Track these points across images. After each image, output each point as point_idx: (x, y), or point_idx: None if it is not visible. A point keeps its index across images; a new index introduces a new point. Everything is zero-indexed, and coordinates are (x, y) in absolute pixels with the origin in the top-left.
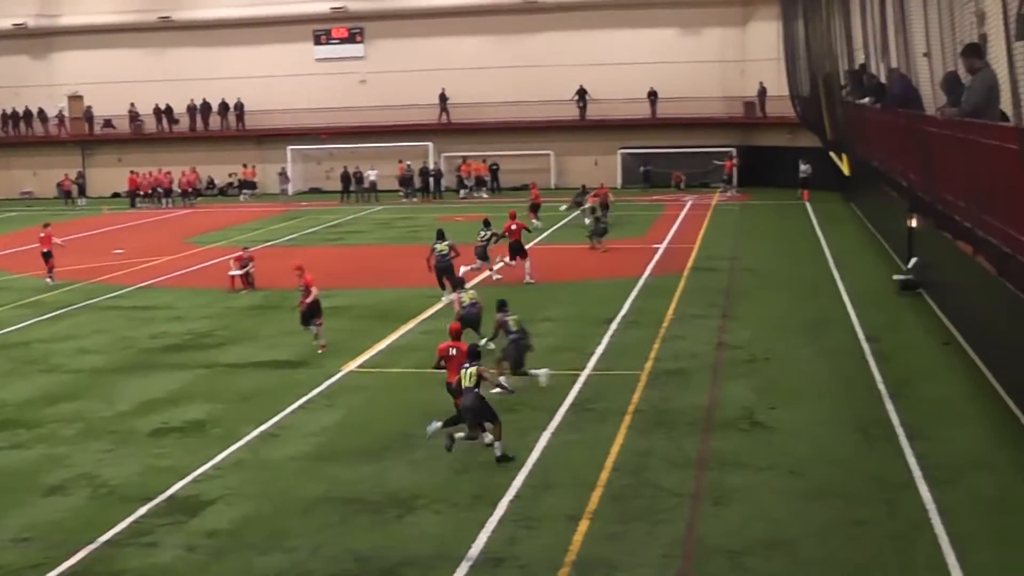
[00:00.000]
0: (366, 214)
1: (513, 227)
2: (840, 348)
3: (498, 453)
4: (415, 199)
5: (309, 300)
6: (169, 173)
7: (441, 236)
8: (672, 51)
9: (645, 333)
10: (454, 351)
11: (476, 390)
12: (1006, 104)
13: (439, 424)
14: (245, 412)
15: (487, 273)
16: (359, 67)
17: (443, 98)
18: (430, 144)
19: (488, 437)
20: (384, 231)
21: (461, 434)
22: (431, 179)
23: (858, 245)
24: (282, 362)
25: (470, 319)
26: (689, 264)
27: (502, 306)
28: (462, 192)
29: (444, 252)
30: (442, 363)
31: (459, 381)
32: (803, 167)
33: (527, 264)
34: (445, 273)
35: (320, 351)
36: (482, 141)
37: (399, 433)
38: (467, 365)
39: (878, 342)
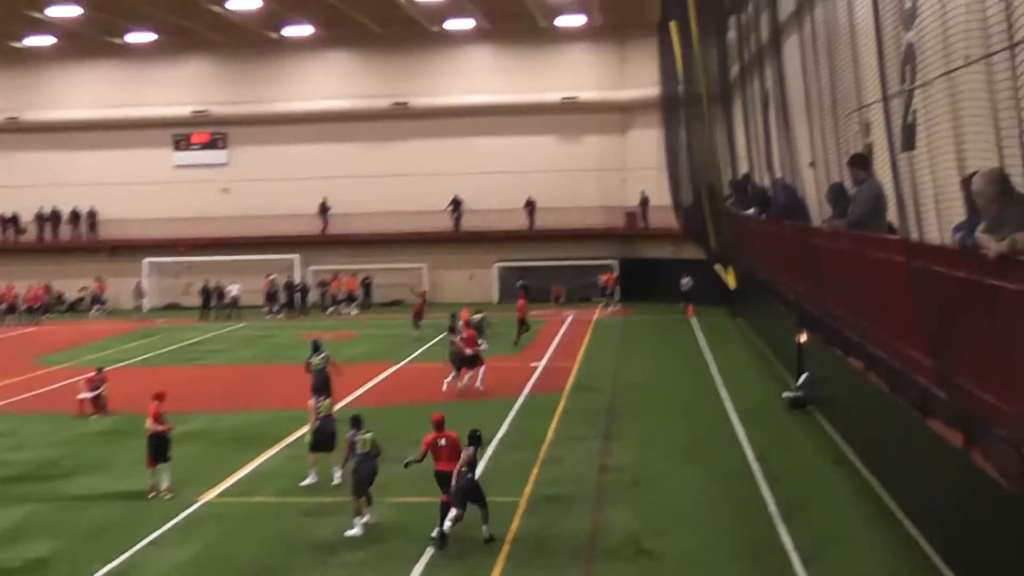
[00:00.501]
0: (227, 331)
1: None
2: (729, 469)
3: (486, 535)
4: (280, 315)
5: (159, 430)
6: (14, 287)
7: (316, 349)
8: (550, 159)
9: (524, 456)
10: (443, 441)
11: (470, 475)
12: (893, 215)
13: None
14: (92, 549)
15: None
16: (222, 174)
17: (324, 208)
18: (296, 257)
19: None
20: (245, 349)
21: (448, 524)
22: (298, 294)
23: (745, 361)
24: (134, 493)
25: (324, 433)
26: (569, 383)
27: (356, 422)
28: (330, 308)
29: (321, 366)
30: (425, 454)
31: (447, 474)
32: (684, 280)
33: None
34: (322, 387)
35: (166, 496)
36: (351, 254)
37: (262, 567)
38: (470, 447)
39: (768, 462)
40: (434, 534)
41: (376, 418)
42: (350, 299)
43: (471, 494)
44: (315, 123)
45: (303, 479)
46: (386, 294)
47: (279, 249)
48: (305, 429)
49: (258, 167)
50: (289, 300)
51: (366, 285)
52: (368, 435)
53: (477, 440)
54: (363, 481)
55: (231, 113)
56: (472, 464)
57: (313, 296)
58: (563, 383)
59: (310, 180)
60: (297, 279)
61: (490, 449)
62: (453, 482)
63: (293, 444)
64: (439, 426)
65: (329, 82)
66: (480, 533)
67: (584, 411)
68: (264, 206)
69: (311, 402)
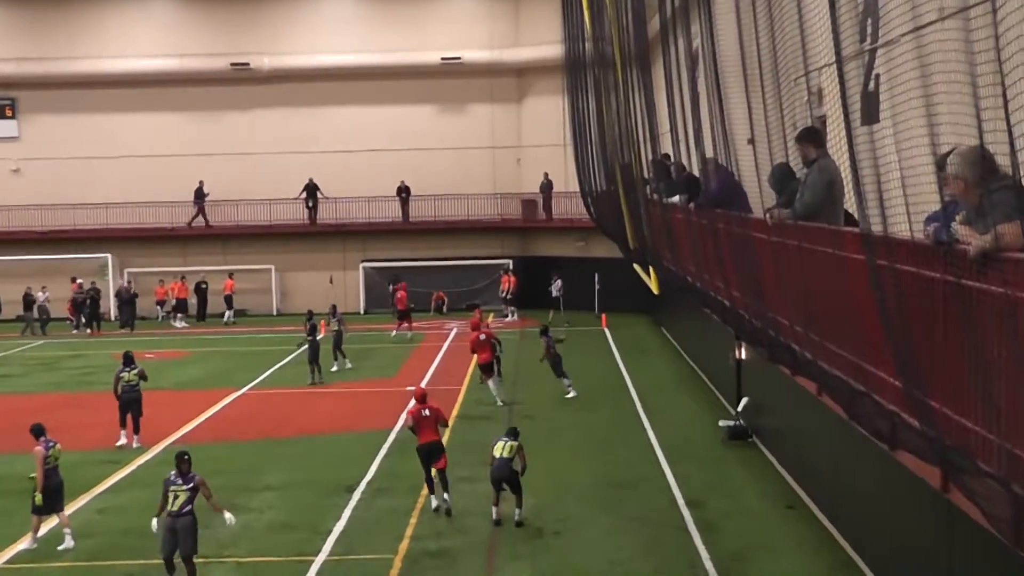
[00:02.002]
0: (21, 351)
1: (482, 337)
2: (652, 516)
3: (518, 518)
4: (88, 329)
5: None
6: None
7: (129, 361)
8: (428, 135)
9: (399, 503)
10: (427, 412)
11: (511, 462)
12: (850, 203)
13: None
14: None
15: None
16: (9, 151)
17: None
18: (109, 256)
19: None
20: (45, 374)
21: (446, 496)
22: (126, 303)
23: (672, 382)
24: None
25: (128, 400)
26: (455, 411)
27: (181, 460)
28: (160, 318)
29: (133, 382)
30: (413, 426)
31: (431, 445)
32: (555, 282)
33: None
34: (131, 407)
35: None
36: (179, 252)
37: None
38: (505, 439)
39: (702, 507)
40: (434, 506)
41: (208, 459)
42: (178, 309)
43: (509, 481)
44: (132, 87)
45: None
46: (222, 303)
47: (87, 246)
48: (126, 473)
49: (58, 143)
50: (93, 311)
51: (200, 291)
52: (182, 489)
53: (515, 433)
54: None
55: (21, 73)
56: (512, 455)
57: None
58: (447, 412)
59: (126, 159)
60: (125, 282)
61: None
62: (493, 468)
63: (110, 491)
64: (423, 399)
65: (150, 36)
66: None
67: (473, 446)
68: (66, 192)
69: (39, 449)
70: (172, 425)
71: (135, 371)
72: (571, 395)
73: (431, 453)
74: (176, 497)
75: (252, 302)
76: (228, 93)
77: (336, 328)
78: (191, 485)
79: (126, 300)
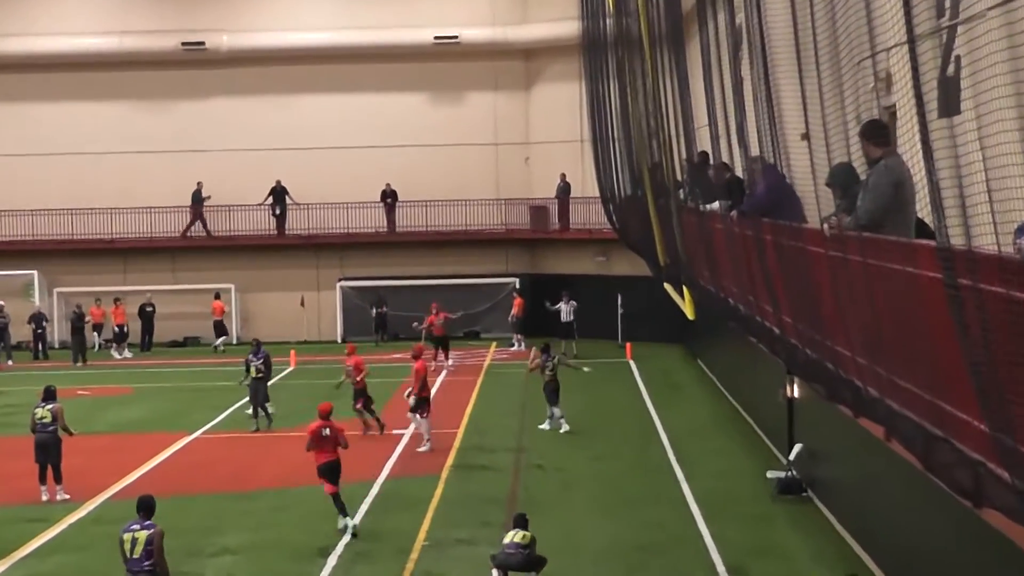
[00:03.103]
0: None
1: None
2: None
3: None
4: (10, 361)
5: None
6: None
7: (49, 396)
8: (419, 129)
9: (382, 570)
10: (328, 431)
11: (527, 548)
12: (924, 210)
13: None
14: None
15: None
16: None
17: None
18: (35, 273)
19: None
20: None
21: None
22: (39, 329)
23: (710, 424)
24: None
25: (41, 442)
26: (450, 459)
27: (143, 518)
28: (97, 346)
29: (46, 420)
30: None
31: (334, 464)
32: (563, 306)
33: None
34: (46, 452)
35: None
36: (119, 268)
37: None
38: (515, 530)
39: (746, 575)
40: (340, 526)
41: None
42: (118, 337)
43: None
44: (63, 71)
45: None
46: (174, 328)
47: (8, 261)
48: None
49: None
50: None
51: (146, 316)
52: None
53: (524, 522)
54: None
55: None
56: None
57: (58, 331)
58: (441, 459)
59: (55, 157)
60: (37, 305)
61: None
62: (501, 553)
63: (30, 558)
64: (326, 415)
65: (86, 11)
66: None
67: (473, 501)
68: None
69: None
70: (110, 476)
71: (49, 407)
72: (559, 428)
73: (335, 471)
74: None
75: (206, 328)
76: (179, 79)
77: (257, 373)
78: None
79: (78, 327)
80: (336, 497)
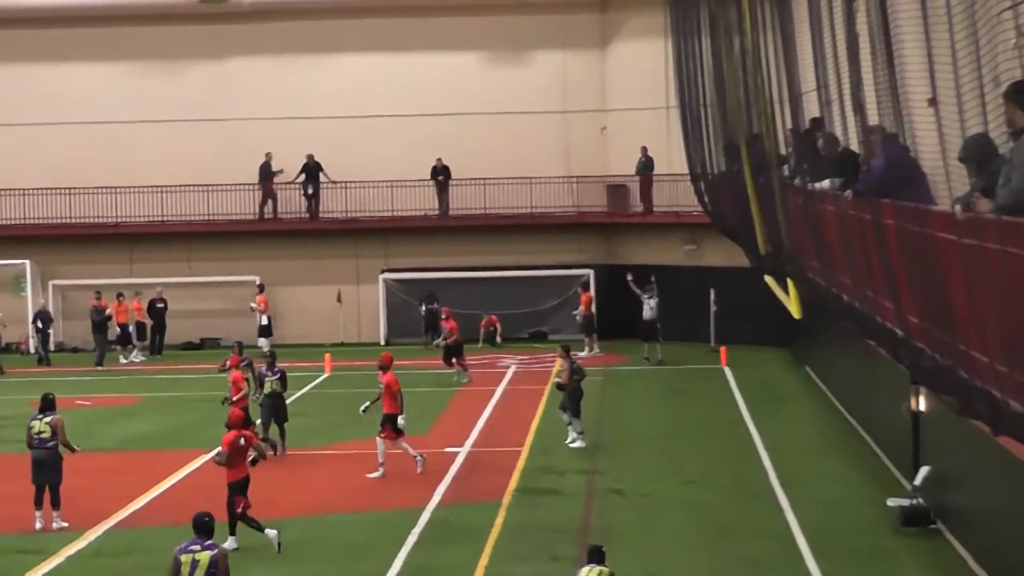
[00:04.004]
0: None
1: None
2: None
3: None
4: None
5: None
6: None
7: (47, 407)
8: (476, 94)
9: None
10: (243, 441)
11: None
12: None
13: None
14: None
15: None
16: None
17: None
18: (27, 263)
19: None
20: None
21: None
22: (40, 330)
23: (820, 443)
24: None
25: (39, 459)
26: (512, 483)
27: (202, 538)
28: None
29: (46, 435)
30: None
31: (247, 480)
32: (645, 301)
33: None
34: (43, 472)
35: None
36: (121, 258)
37: None
38: (591, 565)
39: None
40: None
41: (164, 548)
42: (121, 339)
43: None
44: (61, 26)
45: None
46: (189, 328)
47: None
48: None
49: None
50: None
51: (156, 313)
52: None
53: (600, 556)
54: None
55: None
56: None
57: (60, 331)
58: (502, 482)
59: (51, 128)
60: (32, 299)
61: None
62: None
63: None
64: (239, 423)
65: None
66: None
67: (539, 531)
68: None
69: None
70: (113, 500)
71: (48, 419)
72: (577, 445)
73: (246, 488)
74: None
75: (227, 328)
76: (194, 35)
77: (272, 388)
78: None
79: (100, 324)
80: (245, 516)
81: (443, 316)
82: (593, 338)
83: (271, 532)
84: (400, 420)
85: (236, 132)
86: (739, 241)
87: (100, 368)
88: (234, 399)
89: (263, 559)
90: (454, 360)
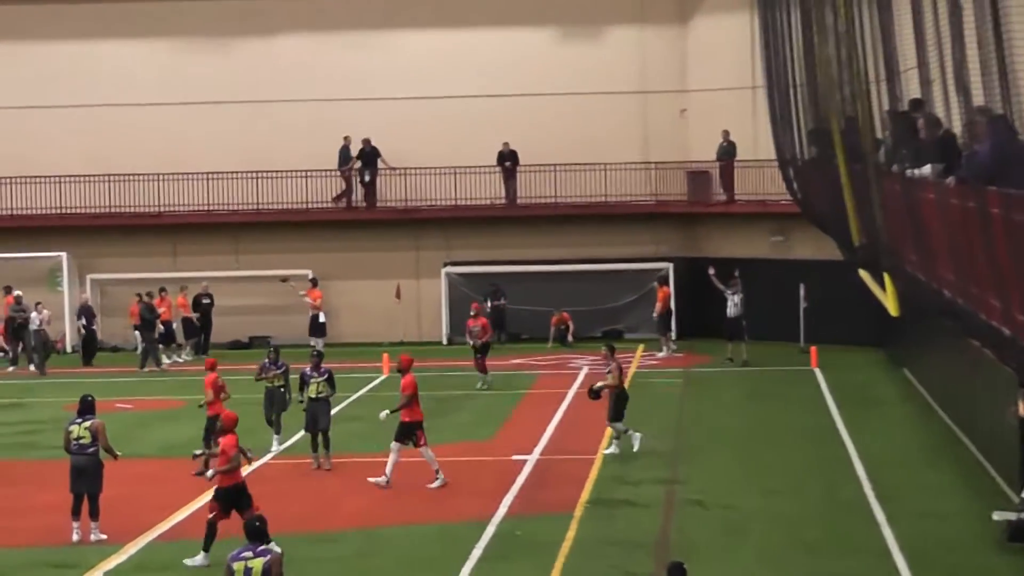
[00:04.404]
0: None
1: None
2: None
3: None
4: (32, 366)
5: None
6: None
7: (86, 409)
8: (545, 73)
9: None
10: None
11: None
12: None
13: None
14: None
15: None
16: None
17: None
18: (64, 256)
19: None
20: None
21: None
22: (90, 326)
23: (920, 451)
24: None
25: (79, 466)
26: (585, 493)
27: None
28: (140, 348)
29: (85, 441)
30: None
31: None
32: (729, 297)
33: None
34: (83, 480)
35: None
36: (164, 250)
37: None
38: None
39: None
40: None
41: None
42: (164, 337)
43: None
44: (91, 2)
45: None
46: (237, 326)
47: (30, 241)
48: None
49: None
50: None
51: (203, 309)
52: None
53: (679, 572)
54: None
55: None
56: None
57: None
58: (574, 494)
59: (85, 111)
60: (70, 293)
61: None
62: None
63: None
64: (233, 426)
65: None
66: None
67: (614, 545)
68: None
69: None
70: (156, 511)
71: (88, 424)
72: (611, 451)
73: (235, 498)
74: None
75: (278, 325)
76: (242, 10)
77: (318, 393)
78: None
79: (149, 321)
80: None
81: (472, 312)
82: (669, 337)
83: (198, 558)
84: (383, 413)
85: (287, 115)
86: (831, 232)
87: (145, 370)
88: (201, 404)
89: (318, 573)
90: (477, 359)
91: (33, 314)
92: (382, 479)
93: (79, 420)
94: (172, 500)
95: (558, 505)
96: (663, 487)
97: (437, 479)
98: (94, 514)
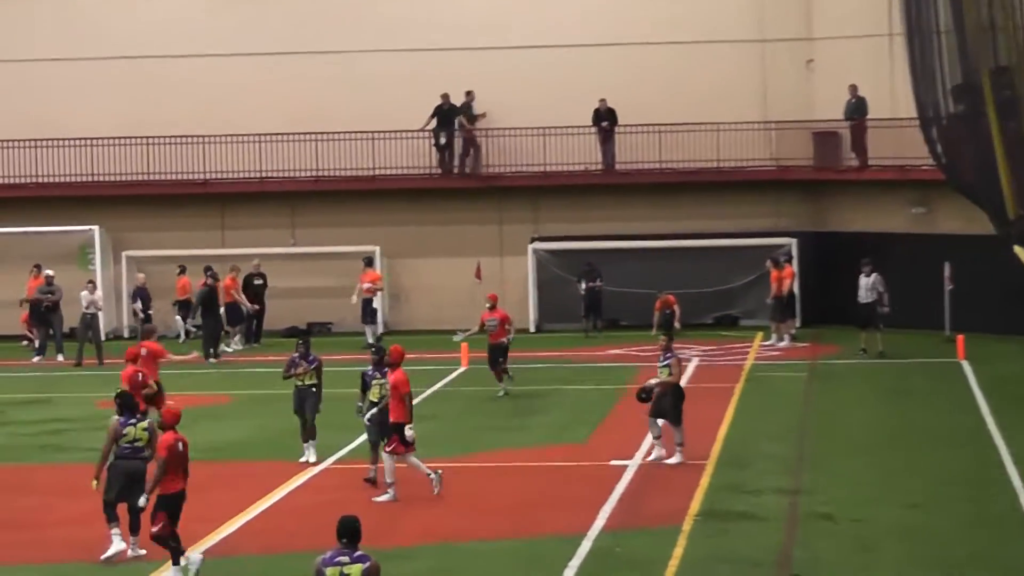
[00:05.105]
0: None
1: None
2: None
3: None
4: (60, 356)
5: None
6: None
7: (129, 407)
8: (648, 18)
9: None
10: (182, 447)
11: None
12: None
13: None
14: None
15: None
16: None
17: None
18: (96, 229)
19: None
20: None
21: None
22: (143, 310)
23: None
24: None
25: (132, 471)
26: (695, 504)
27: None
28: (181, 337)
29: (141, 443)
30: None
31: (182, 494)
32: (863, 280)
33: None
34: (136, 487)
35: None
36: (211, 223)
37: None
38: None
39: None
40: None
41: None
42: (234, 319)
43: None
44: None
45: None
46: (293, 310)
47: (57, 213)
48: None
49: (2, 37)
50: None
51: (254, 291)
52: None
53: None
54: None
55: None
56: None
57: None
58: (682, 505)
59: (121, 62)
60: (102, 271)
61: None
62: None
63: None
64: (175, 421)
65: None
66: None
67: (729, 564)
68: (18, 121)
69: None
70: (200, 522)
71: (145, 424)
72: (675, 460)
73: (178, 505)
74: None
75: (340, 310)
76: None
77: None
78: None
79: (210, 305)
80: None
81: (488, 304)
82: (788, 324)
83: (194, 556)
84: (408, 431)
85: (350, 68)
86: (981, 202)
87: (211, 361)
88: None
89: None
90: (499, 361)
91: (84, 293)
92: (387, 495)
93: (133, 421)
94: (218, 511)
95: (663, 518)
96: (785, 497)
97: (386, 493)
98: (136, 527)
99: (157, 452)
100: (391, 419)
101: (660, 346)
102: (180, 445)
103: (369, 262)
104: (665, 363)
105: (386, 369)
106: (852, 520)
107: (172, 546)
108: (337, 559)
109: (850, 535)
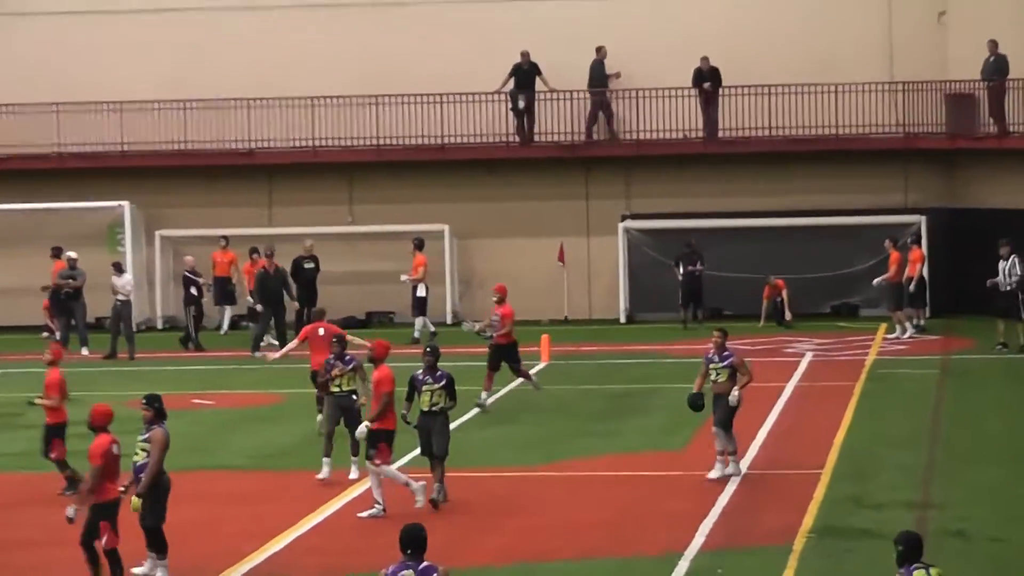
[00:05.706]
0: None
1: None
2: None
3: None
4: (85, 350)
5: None
6: None
7: (158, 415)
8: None
9: None
10: (117, 449)
11: None
12: None
13: None
14: None
15: None
16: None
17: None
18: (126, 205)
19: None
20: (4, 432)
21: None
22: (198, 296)
23: None
24: None
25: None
26: (809, 519)
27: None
28: (223, 329)
29: (139, 460)
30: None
31: (118, 501)
32: (1003, 265)
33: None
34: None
35: None
36: (258, 199)
37: None
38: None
39: None
40: None
41: None
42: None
43: None
44: None
45: None
46: (351, 298)
47: (83, 187)
48: None
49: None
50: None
51: (306, 276)
52: None
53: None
54: None
55: None
56: None
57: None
58: (793, 521)
59: (154, 16)
60: (132, 251)
61: None
62: None
63: None
64: (107, 422)
65: None
66: None
67: None
68: (40, 83)
69: None
70: (244, 538)
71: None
72: (729, 472)
73: (114, 513)
74: None
75: (403, 298)
76: None
77: (432, 405)
78: None
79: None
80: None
81: (495, 297)
82: (910, 314)
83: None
84: (362, 427)
85: (414, 22)
86: None
87: (257, 355)
88: (37, 401)
89: None
90: (515, 369)
91: (118, 279)
92: (376, 509)
93: (143, 435)
94: (264, 525)
95: (773, 535)
96: (912, 512)
97: (373, 508)
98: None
99: (91, 460)
100: (377, 427)
101: (714, 343)
102: (115, 447)
103: (420, 245)
104: (725, 364)
105: (441, 373)
106: (989, 539)
107: (114, 566)
108: (402, 572)
109: (987, 555)
